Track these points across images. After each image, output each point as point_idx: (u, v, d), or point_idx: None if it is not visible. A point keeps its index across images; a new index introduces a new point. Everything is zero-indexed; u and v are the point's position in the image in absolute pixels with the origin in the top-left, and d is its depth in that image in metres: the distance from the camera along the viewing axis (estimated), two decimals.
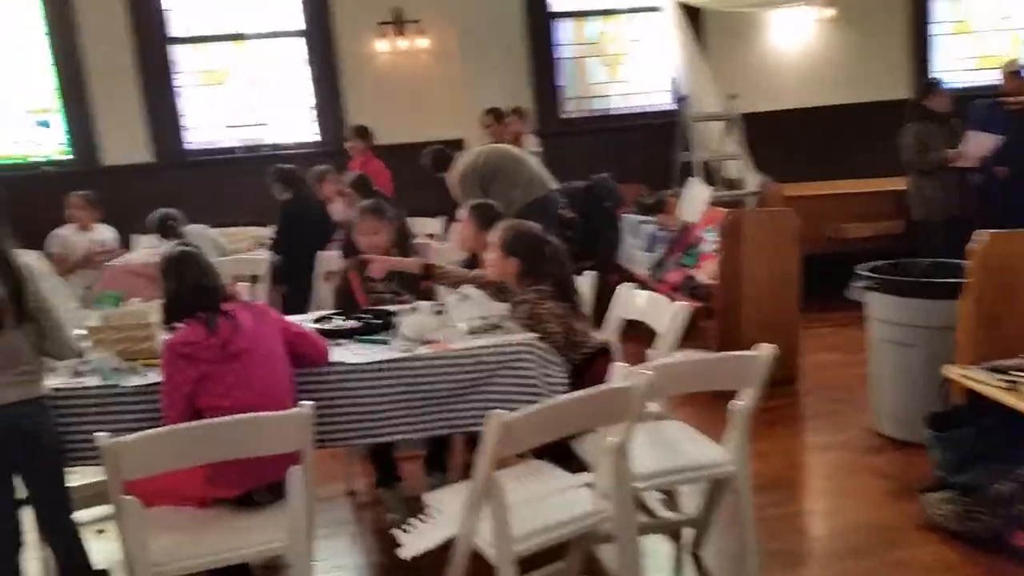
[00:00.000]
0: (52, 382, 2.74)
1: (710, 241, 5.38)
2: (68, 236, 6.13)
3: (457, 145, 6.89)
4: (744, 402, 2.70)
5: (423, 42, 7.57)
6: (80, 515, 2.79)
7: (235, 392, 2.53)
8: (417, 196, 6.29)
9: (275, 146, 7.70)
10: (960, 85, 7.92)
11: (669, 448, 2.87)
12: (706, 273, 5.24)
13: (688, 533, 3.17)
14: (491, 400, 2.91)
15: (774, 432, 4.18)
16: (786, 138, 7.79)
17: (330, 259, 5.15)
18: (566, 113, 8.12)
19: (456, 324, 3.15)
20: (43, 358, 2.60)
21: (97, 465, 2.32)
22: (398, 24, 7.51)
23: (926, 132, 5.94)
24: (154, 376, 2.73)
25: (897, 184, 6.42)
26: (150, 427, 2.63)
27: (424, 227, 6.38)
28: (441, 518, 2.49)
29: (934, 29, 8.44)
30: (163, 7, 7.44)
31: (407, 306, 3.50)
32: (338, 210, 5.95)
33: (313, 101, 7.70)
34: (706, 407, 3.64)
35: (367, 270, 3.76)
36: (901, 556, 3.05)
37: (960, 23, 8.53)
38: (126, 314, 3.22)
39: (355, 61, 7.61)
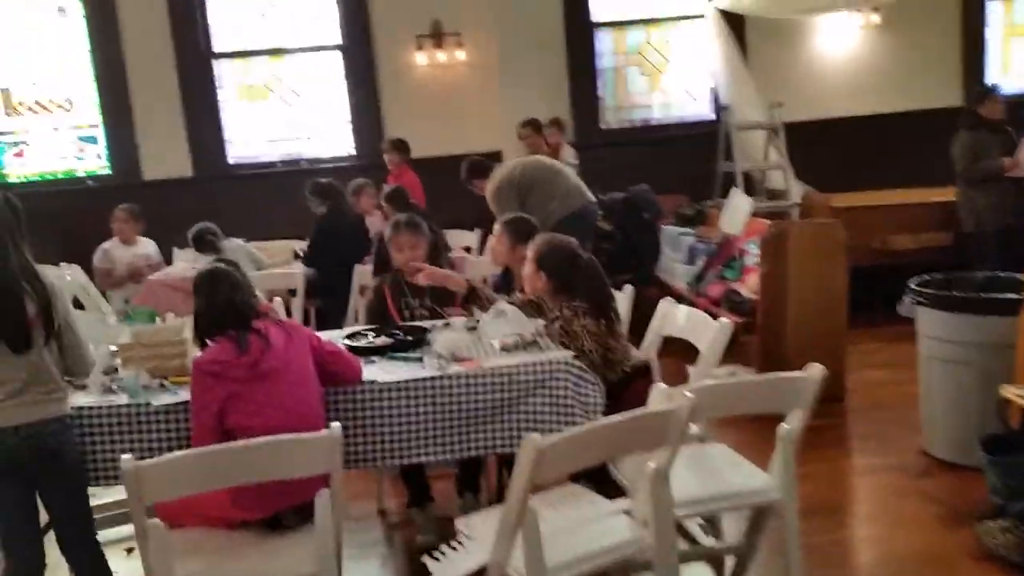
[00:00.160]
0: (81, 401, 2.72)
1: (752, 254, 5.25)
2: (112, 250, 6.20)
3: (495, 157, 6.83)
4: (791, 426, 2.57)
5: (461, 54, 7.54)
6: (108, 533, 2.76)
7: (265, 412, 2.49)
8: (453, 208, 6.25)
9: (313, 160, 7.72)
10: (1016, 91, 7.67)
11: (711, 473, 2.76)
12: (748, 287, 5.11)
13: (731, 561, 3.04)
14: (525, 421, 2.83)
15: (819, 453, 4.03)
16: (831, 148, 7.61)
17: (365, 273, 5.12)
18: (605, 124, 8.02)
19: (490, 341, 3.08)
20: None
21: None
22: (437, 37, 7.49)
23: (979, 140, 5.74)
24: (184, 394, 2.70)
25: (945, 194, 6.21)
26: (179, 447, 2.62)
27: (460, 240, 6.34)
28: (472, 545, 2.40)
29: (988, 33, 8.18)
30: (206, 22, 7.51)
31: (440, 322, 3.45)
32: (375, 223, 5.93)
33: (350, 115, 7.70)
34: (750, 428, 3.49)
35: (409, 277, 3.70)
36: None
37: (1015, 27, 8.26)
38: (159, 330, 3.21)
39: (393, 74, 7.60)
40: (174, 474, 2.15)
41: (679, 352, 3.41)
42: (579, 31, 7.78)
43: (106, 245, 6.19)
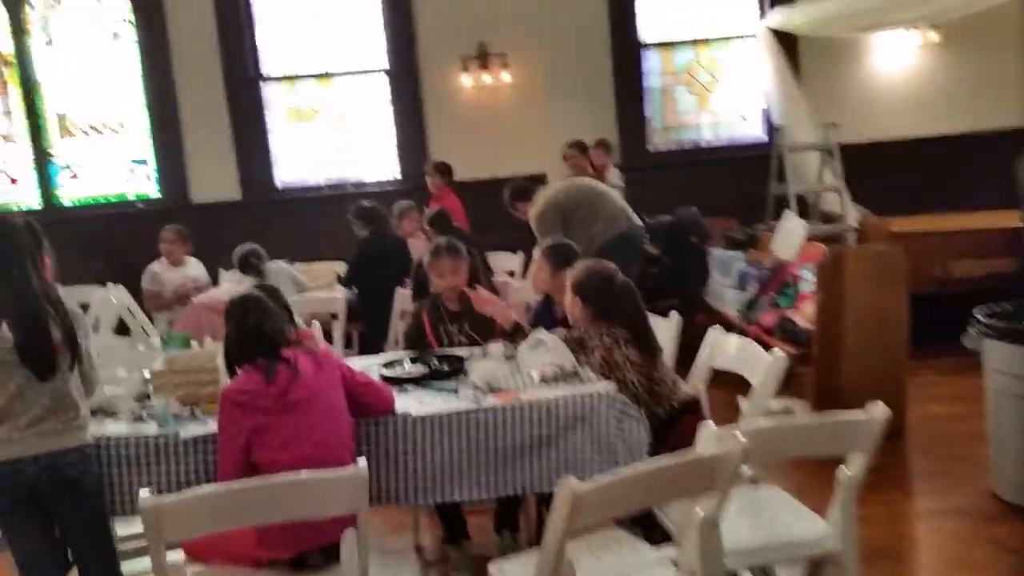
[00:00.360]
0: (109, 430, 2.66)
1: (807, 280, 5.04)
2: (160, 272, 6.20)
3: (539, 180, 6.74)
4: (852, 471, 2.39)
5: (507, 76, 7.48)
6: (135, 565, 2.68)
7: (292, 445, 2.39)
8: (497, 231, 6.15)
9: (359, 183, 7.70)
10: None
11: (765, 519, 2.58)
12: (803, 315, 4.89)
13: None
14: (564, 458, 2.70)
15: (878, 494, 3.77)
16: (887, 170, 7.34)
17: (407, 297, 5.04)
18: (653, 145, 7.87)
19: (528, 371, 2.95)
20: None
21: None
22: (482, 58, 7.44)
23: None
24: (213, 425, 2.61)
25: (1010, 219, 5.91)
26: (206, 481, 2.54)
27: (504, 263, 6.24)
28: None
29: None
30: (255, 46, 7.57)
31: (478, 350, 3.34)
32: (418, 247, 5.86)
33: (396, 138, 7.68)
34: (806, 468, 3.30)
35: (450, 303, 3.61)
36: None
37: None
38: (193, 356, 3.15)
39: (438, 97, 7.56)
40: (194, 511, 2.05)
41: (730, 383, 3.24)
42: (626, 51, 7.67)
43: (154, 267, 6.20)
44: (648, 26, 7.73)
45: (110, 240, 7.16)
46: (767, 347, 4.60)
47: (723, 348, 3.27)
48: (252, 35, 7.55)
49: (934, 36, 7.62)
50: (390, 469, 2.66)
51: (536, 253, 3.82)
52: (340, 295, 5.40)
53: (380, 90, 7.69)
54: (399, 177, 7.71)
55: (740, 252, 6.32)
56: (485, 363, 3.00)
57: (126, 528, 2.74)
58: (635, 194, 6.23)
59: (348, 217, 5.89)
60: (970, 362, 3.90)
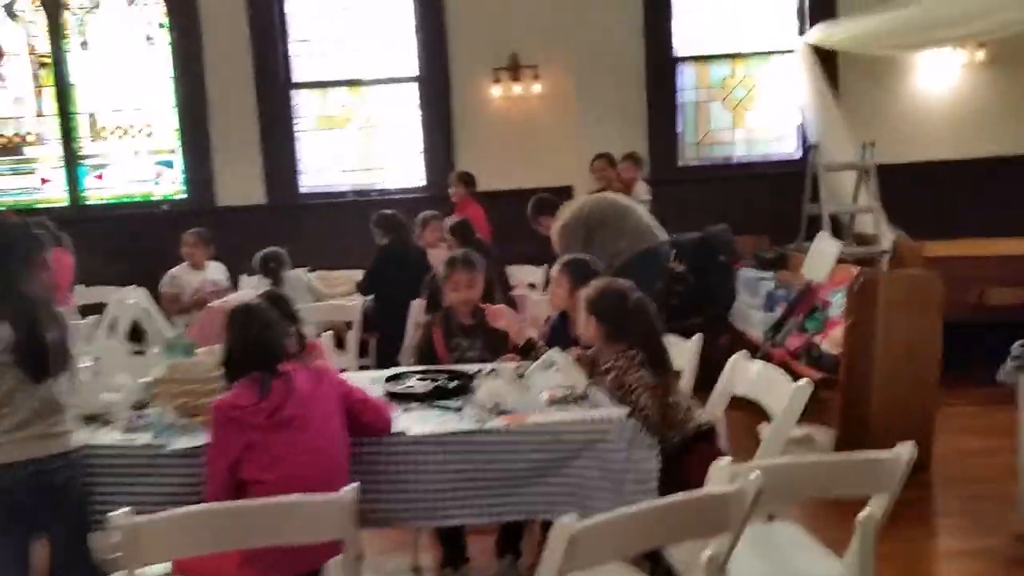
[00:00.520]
0: (102, 438, 2.60)
1: (837, 305, 4.86)
2: (180, 275, 6.18)
3: (566, 192, 6.64)
4: (873, 511, 2.24)
5: (537, 87, 7.39)
6: None
7: (281, 465, 2.31)
8: (522, 243, 6.05)
9: (384, 191, 7.66)
10: None
11: (777, 557, 2.45)
12: (831, 341, 4.72)
13: None
14: (570, 485, 2.59)
15: (900, 531, 3.55)
16: (926, 192, 7.12)
17: (422, 308, 4.95)
18: (684, 160, 7.73)
19: (536, 394, 2.84)
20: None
21: None
22: (514, 69, 7.36)
23: None
24: (207, 438, 2.53)
25: None
26: (197, 494, 2.46)
27: (525, 275, 6.14)
28: None
29: None
30: (287, 53, 7.56)
31: (488, 367, 3.23)
32: (440, 256, 5.77)
33: (423, 146, 7.62)
34: (824, 503, 3.15)
35: (463, 317, 3.52)
36: None
37: None
38: (195, 364, 3.07)
39: (468, 106, 7.50)
40: (173, 533, 1.96)
41: (752, 405, 3.09)
42: (659, 65, 7.53)
43: (174, 271, 6.19)
44: (683, 40, 7.60)
45: (135, 240, 7.17)
46: (792, 372, 4.46)
47: (744, 375, 3.12)
48: (284, 42, 7.54)
49: (980, 55, 7.40)
50: (385, 490, 2.56)
51: (554, 269, 3.71)
52: (356, 303, 5.34)
53: (409, 98, 7.63)
54: (425, 184, 7.64)
55: (769, 272, 6.16)
56: (493, 382, 2.89)
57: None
58: (664, 209, 6.09)
59: (370, 225, 5.84)
60: (1003, 394, 3.71)
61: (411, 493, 2.57)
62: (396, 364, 4.60)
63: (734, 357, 3.19)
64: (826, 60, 7.20)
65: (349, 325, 5.13)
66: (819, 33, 7.03)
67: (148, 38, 7.57)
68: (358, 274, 6.29)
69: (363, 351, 5.52)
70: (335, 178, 7.75)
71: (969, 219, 6.92)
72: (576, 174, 6.98)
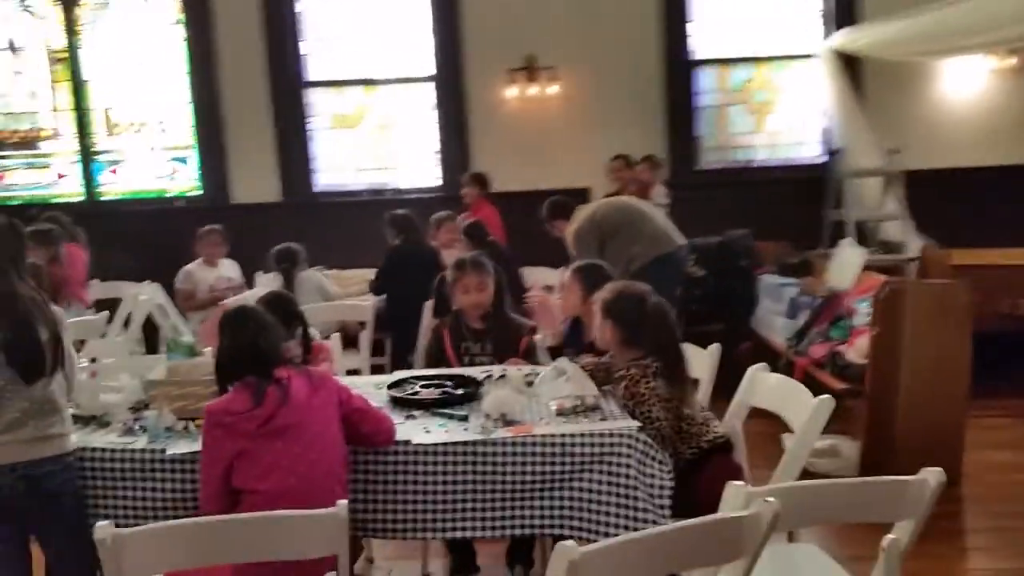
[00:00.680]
0: (97, 441, 2.51)
1: (862, 313, 4.71)
2: (195, 272, 6.12)
3: (582, 195, 6.52)
4: (899, 536, 2.11)
5: (554, 88, 7.27)
6: None
7: (274, 474, 2.20)
8: (536, 245, 5.93)
9: (398, 190, 7.57)
10: None
11: None
12: (856, 350, 4.56)
13: None
14: (578, 500, 2.46)
15: (926, 548, 3.37)
16: (953, 200, 6.93)
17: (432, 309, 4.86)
18: (703, 164, 7.58)
19: (545, 403, 2.73)
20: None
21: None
22: (530, 70, 7.25)
23: None
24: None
25: None
26: (193, 500, 2.37)
27: (541, 278, 6.02)
28: None
29: None
30: (301, 52, 7.50)
31: (497, 372, 3.12)
32: (454, 257, 5.68)
33: (439, 146, 7.53)
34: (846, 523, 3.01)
35: (472, 321, 3.42)
36: None
37: None
38: (195, 367, 2.98)
39: (483, 107, 7.40)
40: (159, 546, 1.86)
41: (772, 415, 2.95)
42: (678, 68, 7.40)
43: (189, 267, 6.14)
44: (703, 43, 7.46)
45: (149, 236, 7.13)
46: (817, 381, 4.32)
47: (763, 386, 2.99)
48: (299, 40, 7.48)
49: (1011, 61, 7.20)
50: (387, 501, 2.45)
51: (567, 275, 3.59)
52: (368, 303, 5.26)
53: (425, 98, 7.55)
54: (440, 184, 7.56)
55: (793, 279, 6.01)
56: (500, 391, 2.77)
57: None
58: (682, 213, 5.97)
59: (383, 225, 5.75)
60: None
61: (412, 504, 2.46)
62: (408, 365, 4.52)
63: (752, 369, 3.06)
64: (850, 64, 7.05)
65: (361, 324, 5.05)
66: (843, 38, 6.88)
67: (163, 35, 7.52)
68: (372, 273, 6.21)
69: (379, 350, 5.44)
70: (350, 177, 7.68)
71: (999, 227, 6.71)
72: (593, 176, 6.87)
